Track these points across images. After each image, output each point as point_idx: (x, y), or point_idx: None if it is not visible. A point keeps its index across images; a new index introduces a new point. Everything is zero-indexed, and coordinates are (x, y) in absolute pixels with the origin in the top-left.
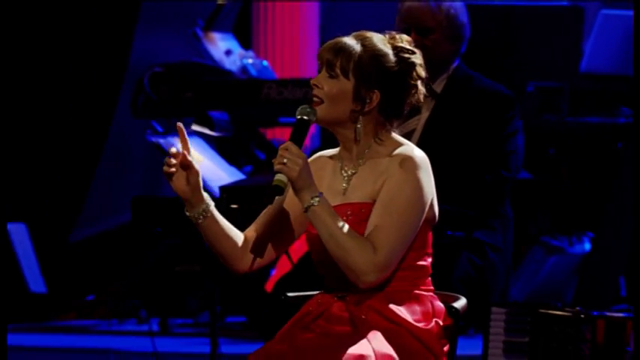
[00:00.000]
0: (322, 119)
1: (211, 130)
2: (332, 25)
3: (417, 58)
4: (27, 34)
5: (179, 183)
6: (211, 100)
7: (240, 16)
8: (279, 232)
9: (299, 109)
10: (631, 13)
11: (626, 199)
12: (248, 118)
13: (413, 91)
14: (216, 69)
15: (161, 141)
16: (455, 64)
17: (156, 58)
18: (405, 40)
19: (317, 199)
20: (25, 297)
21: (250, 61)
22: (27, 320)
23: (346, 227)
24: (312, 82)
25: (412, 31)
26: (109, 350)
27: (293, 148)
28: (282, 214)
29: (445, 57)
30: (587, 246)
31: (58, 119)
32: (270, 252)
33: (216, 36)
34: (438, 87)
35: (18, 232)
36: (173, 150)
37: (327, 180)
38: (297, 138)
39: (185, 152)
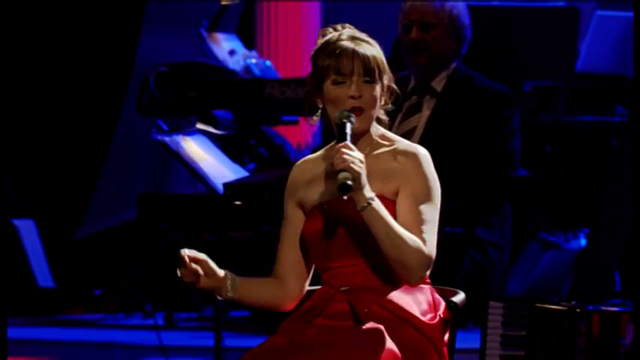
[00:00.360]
0: (365, 129)
1: (215, 128)
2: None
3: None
4: (36, 35)
5: (201, 281)
6: (215, 99)
7: (243, 17)
8: (302, 254)
9: (338, 114)
10: (626, 14)
11: (621, 196)
12: (251, 116)
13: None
14: (220, 69)
15: (166, 139)
16: (455, 64)
17: (161, 57)
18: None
19: (373, 198)
20: (34, 292)
21: (253, 61)
22: (35, 314)
23: (399, 226)
24: (353, 92)
25: (414, 26)
26: (116, 344)
27: (351, 147)
28: (296, 237)
29: (445, 54)
30: (583, 242)
31: (65, 118)
32: (305, 274)
33: (220, 36)
34: (439, 86)
35: (26, 228)
36: (186, 258)
37: (321, 180)
38: (343, 139)
39: (187, 259)
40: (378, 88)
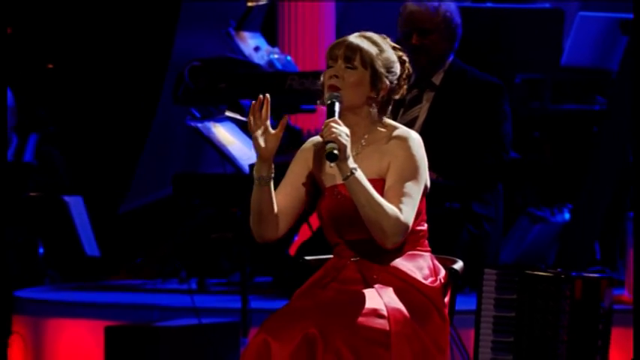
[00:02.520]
0: (345, 106)
1: (242, 115)
2: (346, 24)
3: (407, 57)
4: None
5: (265, 144)
6: (242, 89)
7: (267, 17)
8: (296, 206)
9: (327, 96)
10: (605, 14)
11: (600, 176)
12: (274, 105)
13: (402, 85)
14: (246, 63)
15: (199, 125)
16: (450, 59)
17: (194, 53)
18: (392, 43)
19: (356, 169)
20: (82, 260)
21: (276, 56)
22: (83, 280)
23: (378, 195)
24: (331, 72)
25: (414, 33)
26: (154, 306)
27: (338, 121)
28: (294, 190)
29: (442, 53)
30: (567, 216)
31: (111, 107)
32: (287, 224)
33: (246, 35)
34: (437, 80)
35: (76, 204)
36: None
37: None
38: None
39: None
40: (359, 76)
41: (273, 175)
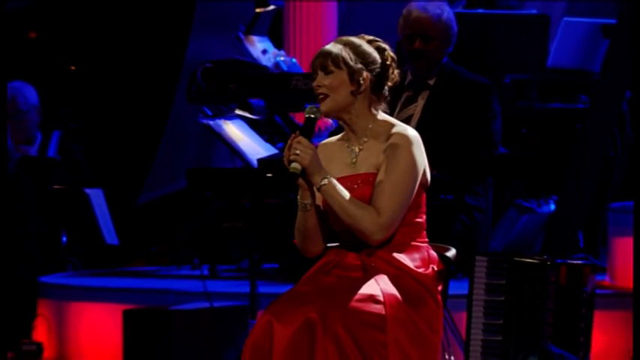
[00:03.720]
0: (330, 110)
1: (251, 113)
2: (348, 26)
3: (386, 44)
4: (109, 38)
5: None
6: (251, 89)
7: (273, 22)
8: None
9: (307, 109)
10: (587, 20)
11: (583, 170)
12: (280, 104)
13: (390, 70)
14: (254, 65)
15: (211, 123)
16: (444, 61)
17: (207, 56)
18: (369, 37)
19: (326, 180)
20: (102, 248)
21: (282, 58)
22: (103, 266)
23: (352, 199)
24: (313, 85)
25: (417, 38)
26: (169, 290)
27: (303, 141)
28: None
29: (439, 57)
30: (552, 207)
31: (128, 106)
32: (326, 236)
33: (254, 38)
34: (431, 80)
35: (96, 196)
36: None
37: (337, 158)
38: (307, 132)
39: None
40: (337, 77)
41: (316, 202)
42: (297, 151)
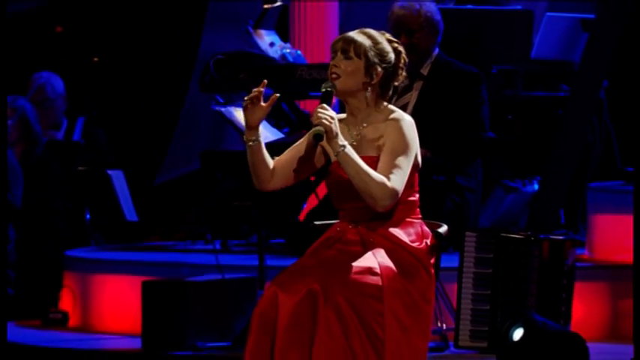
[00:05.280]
0: (340, 90)
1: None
2: (349, 22)
3: (402, 48)
4: (128, 34)
5: (253, 114)
6: (259, 79)
7: (280, 17)
8: (295, 168)
9: (323, 84)
10: (569, 14)
11: (564, 152)
12: (286, 92)
13: (400, 72)
14: (262, 57)
15: (222, 109)
16: (436, 53)
17: (218, 48)
18: (389, 36)
19: (344, 145)
20: (123, 224)
21: (288, 50)
22: (124, 241)
23: (367, 166)
24: (332, 62)
25: (402, 33)
26: (184, 264)
27: (327, 108)
28: (300, 155)
29: (428, 47)
30: (536, 186)
31: (148, 94)
32: (285, 180)
33: (262, 32)
34: (425, 71)
35: (117, 177)
36: (257, 90)
37: None
38: (326, 104)
39: (259, 94)
40: (355, 65)
41: (259, 137)
42: (321, 117)
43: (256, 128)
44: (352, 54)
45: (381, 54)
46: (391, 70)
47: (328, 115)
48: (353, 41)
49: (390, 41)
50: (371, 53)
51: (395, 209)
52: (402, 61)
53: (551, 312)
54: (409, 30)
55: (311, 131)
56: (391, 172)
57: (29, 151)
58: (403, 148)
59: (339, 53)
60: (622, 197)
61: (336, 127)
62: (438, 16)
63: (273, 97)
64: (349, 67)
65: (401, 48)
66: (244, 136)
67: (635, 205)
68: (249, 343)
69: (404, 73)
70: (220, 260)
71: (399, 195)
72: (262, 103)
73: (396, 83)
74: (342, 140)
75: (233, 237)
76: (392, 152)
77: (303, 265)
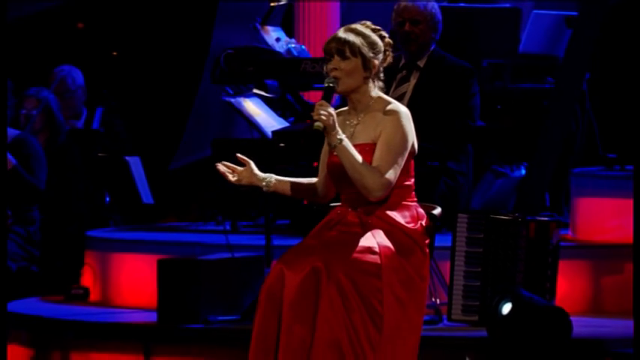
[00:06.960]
0: (344, 91)
1: (266, 92)
2: (350, 20)
3: (384, 32)
4: (145, 30)
5: (241, 180)
6: (266, 72)
7: (286, 14)
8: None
9: (326, 80)
10: (554, 12)
11: (549, 140)
12: (291, 84)
13: (387, 54)
14: (269, 51)
15: (232, 100)
16: (432, 47)
17: (228, 43)
18: (370, 24)
19: (341, 139)
20: (139, 207)
21: (293, 45)
22: (140, 222)
23: (361, 159)
24: (330, 67)
25: (406, 22)
26: (196, 243)
27: (325, 104)
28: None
29: (427, 42)
30: (523, 172)
31: (164, 85)
32: (331, 189)
33: (269, 28)
34: (421, 63)
35: (134, 162)
36: (223, 169)
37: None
38: (327, 99)
39: (230, 168)
40: (353, 64)
41: (266, 179)
42: (321, 113)
43: (258, 180)
44: (348, 54)
45: (373, 46)
46: (382, 58)
47: (327, 111)
48: (346, 42)
49: (374, 30)
50: (365, 49)
51: (392, 193)
52: (387, 44)
53: (537, 288)
54: (415, 20)
55: (311, 126)
56: (385, 164)
57: (52, 139)
58: (398, 141)
59: (335, 55)
60: (603, 182)
61: (334, 122)
62: (440, 17)
63: (249, 165)
64: (348, 66)
65: (384, 33)
66: (263, 185)
67: (635, 191)
68: (257, 316)
69: (391, 55)
70: (230, 240)
71: (392, 186)
72: (238, 168)
73: (384, 64)
74: (340, 134)
75: (242, 218)
76: (387, 144)
77: (307, 245)
